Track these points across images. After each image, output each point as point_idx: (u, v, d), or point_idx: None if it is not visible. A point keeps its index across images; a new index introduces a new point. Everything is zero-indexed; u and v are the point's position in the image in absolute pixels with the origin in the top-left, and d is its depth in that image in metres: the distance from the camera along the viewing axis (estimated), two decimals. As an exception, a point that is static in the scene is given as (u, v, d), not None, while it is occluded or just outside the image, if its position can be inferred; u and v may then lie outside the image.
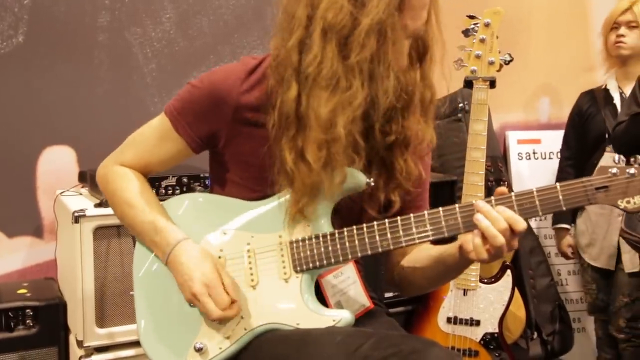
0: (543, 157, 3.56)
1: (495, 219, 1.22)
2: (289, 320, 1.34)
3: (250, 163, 1.39)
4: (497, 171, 3.18)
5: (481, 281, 2.51)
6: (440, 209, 1.29)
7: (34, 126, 2.64)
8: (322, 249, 1.33)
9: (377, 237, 1.31)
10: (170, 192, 2.28)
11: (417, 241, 1.30)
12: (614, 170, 1.21)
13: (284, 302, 1.35)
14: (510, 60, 2.36)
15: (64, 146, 2.69)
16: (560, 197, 1.22)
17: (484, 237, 1.23)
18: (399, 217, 1.31)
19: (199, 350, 1.36)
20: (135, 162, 1.50)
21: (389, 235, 1.30)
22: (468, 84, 2.39)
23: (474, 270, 2.46)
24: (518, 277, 2.83)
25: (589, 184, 1.22)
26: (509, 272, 2.54)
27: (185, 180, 2.32)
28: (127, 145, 1.53)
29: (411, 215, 1.30)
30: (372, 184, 1.36)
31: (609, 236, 2.82)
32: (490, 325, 2.49)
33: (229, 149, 1.43)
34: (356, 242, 1.32)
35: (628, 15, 2.80)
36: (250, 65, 1.40)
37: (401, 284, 1.53)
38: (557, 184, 1.23)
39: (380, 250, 1.31)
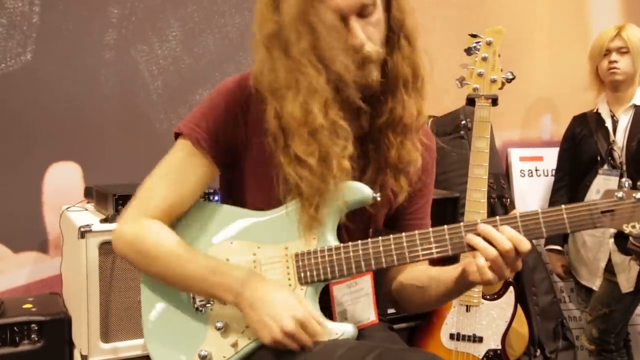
0: (545, 174, 3.58)
1: (498, 239, 1.23)
2: None
3: (263, 173, 1.38)
4: (500, 188, 3.20)
5: (484, 297, 2.52)
6: (445, 227, 1.30)
7: (41, 142, 2.66)
8: (327, 263, 1.34)
9: (382, 253, 1.32)
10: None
11: (421, 258, 1.31)
12: (620, 194, 1.21)
13: None
14: (512, 79, 2.38)
15: (70, 162, 2.72)
16: (566, 219, 1.23)
17: (487, 259, 1.24)
18: (403, 234, 1.32)
19: (203, 358, 1.37)
20: (165, 205, 1.40)
21: (393, 251, 1.32)
22: (470, 101, 2.41)
23: (476, 287, 2.47)
24: (521, 293, 2.84)
25: (595, 208, 1.22)
26: (511, 288, 2.54)
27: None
28: (146, 193, 1.42)
29: (416, 232, 1.31)
30: (379, 198, 1.37)
31: (600, 257, 2.84)
32: (493, 342, 2.49)
33: (248, 158, 1.42)
34: (361, 257, 1.33)
35: (617, 42, 2.82)
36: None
37: (400, 301, 1.54)
38: (563, 206, 1.24)
39: (384, 266, 1.33)
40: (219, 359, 1.37)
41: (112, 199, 2.22)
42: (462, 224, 1.29)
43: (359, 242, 1.34)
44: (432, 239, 1.30)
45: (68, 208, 2.49)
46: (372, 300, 1.52)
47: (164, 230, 1.40)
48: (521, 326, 2.70)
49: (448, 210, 2.78)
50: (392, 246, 1.32)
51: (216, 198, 2.34)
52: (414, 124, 1.39)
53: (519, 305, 2.58)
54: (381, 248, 1.33)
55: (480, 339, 2.49)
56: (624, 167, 2.78)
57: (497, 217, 1.27)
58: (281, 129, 1.31)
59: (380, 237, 1.33)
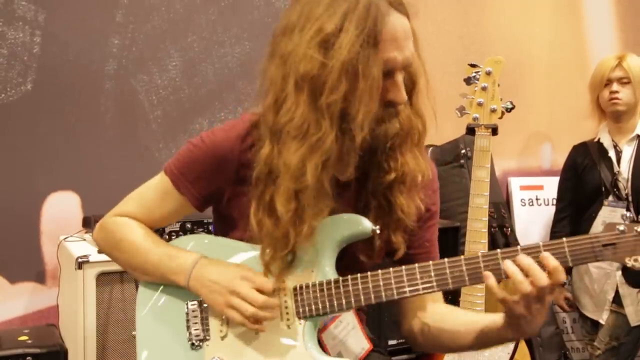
0: (546, 203, 3.57)
1: (536, 275, 1.19)
2: None
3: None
4: (500, 217, 3.18)
5: (486, 329, 2.49)
6: (446, 260, 1.28)
7: (40, 172, 2.66)
8: (326, 296, 1.32)
9: (382, 287, 1.30)
10: (174, 237, 2.27)
11: (421, 292, 1.28)
12: (622, 227, 1.19)
13: (286, 349, 1.33)
14: (512, 108, 2.39)
15: (69, 192, 2.71)
16: (567, 252, 1.20)
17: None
18: (403, 267, 1.30)
19: None
20: (137, 215, 1.49)
21: (393, 284, 1.29)
22: (470, 131, 2.40)
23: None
24: (523, 324, 2.80)
25: (597, 241, 1.19)
26: (513, 319, 2.51)
27: (188, 225, 2.33)
28: (126, 201, 1.53)
29: (416, 265, 1.29)
30: (378, 231, 1.34)
31: (606, 290, 2.82)
32: (495, 374, 2.46)
33: (232, 206, 1.43)
34: (360, 290, 1.31)
35: (618, 72, 2.81)
36: (250, 122, 1.39)
37: (425, 343, 1.48)
38: (564, 239, 1.21)
39: (384, 299, 1.30)
40: None
41: (110, 229, 2.21)
42: (462, 257, 1.26)
43: (359, 275, 1.32)
44: (432, 272, 1.28)
45: (66, 238, 2.48)
46: (360, 330, 1.49)
47: (129, 223, 1.49)
48: (524, 358, 2.66)
49: (449, 240, 2.76)
50: (392, 280, 1.30)
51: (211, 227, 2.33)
52: (420, 180, 1.38)
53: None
54: (381, 282, 1.30)
55: (483, 372, 2.45)
56: (630, 199, 2.77)
57: (498, 250, 1.24)
58: (268, 173, 1.29)
59: (379, 270, 1.31)
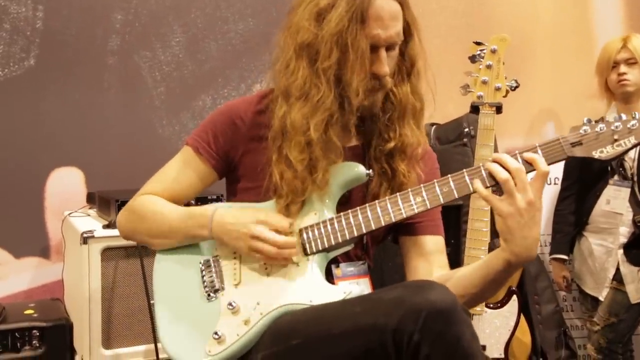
0: (548, 182, 3.56)
1: (506, 161, 1.31)
2: (302, 299, 1.40)
3: (261, 174, 1.49)
4: (503, 196, 3.18)
5: (487, 306, 2.51)
6: (435, 180, 1.38)
7: (43, 148, 2.67)
8: (329, 230, 1.43)
9: (379, 211, 1.40)
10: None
11: (415, 210, 1.38)
12: (585, 127, 1.35)
13: (296, 284, 1.43)
14: (517, 86, 2.38)
15: (72, 168, 2.72)
16: (541, 154, 1.34)
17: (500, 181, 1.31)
18: (398, 193, 1.41)
19: (218, 338, 1.41)
20: (157, 192, 1.59)
21: (389, 207, 1.40)
22: (475, 109, 2.39)
23: (480, 295, 2.46)
24: (524, 302, 2.82)
25: (565, 141, 1.34)
26: (514, 297, 2.53)
27: (192, 202, 2.33)
28: (149, 182, 1.63)
29: (409, 189, 1.40)
30: (372, 175, 1.48)
31: (607, 267, 2.83)
32: (496, 351, 2.48)
33: (243, 161, 1.56)
34: (360, 218, 1.42)
35: (624, 53, 2.81)
36: (262, 92, 1.58)
37: None
38: (537, 143, 1.36)
39: (382, 223, 1.40)
40: (232, 337, 1.41)
41: (114, 204, 2.22)
42: (449, 176, 1.37)
43: (358, 207, 1.43)
44: (423, 191, 1.38)
45: (70, 214, 2.50)
46: None
47: (149, 197, 1.58)
48: (524, 335, 2.68)
49: (451, 218, 2.77)
50: (388, 204, 1.40)
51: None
52: (418, 151, 1.53)
53: (522, 314, 2.57)
54: (378, 207, 1.41)
55: (484, 348, 2.47)
56: (635, 179, 2.77)
57: (481, 164, 1.36)
58: (282, 130, 1.45)
59: (376, 200, 1.42)
